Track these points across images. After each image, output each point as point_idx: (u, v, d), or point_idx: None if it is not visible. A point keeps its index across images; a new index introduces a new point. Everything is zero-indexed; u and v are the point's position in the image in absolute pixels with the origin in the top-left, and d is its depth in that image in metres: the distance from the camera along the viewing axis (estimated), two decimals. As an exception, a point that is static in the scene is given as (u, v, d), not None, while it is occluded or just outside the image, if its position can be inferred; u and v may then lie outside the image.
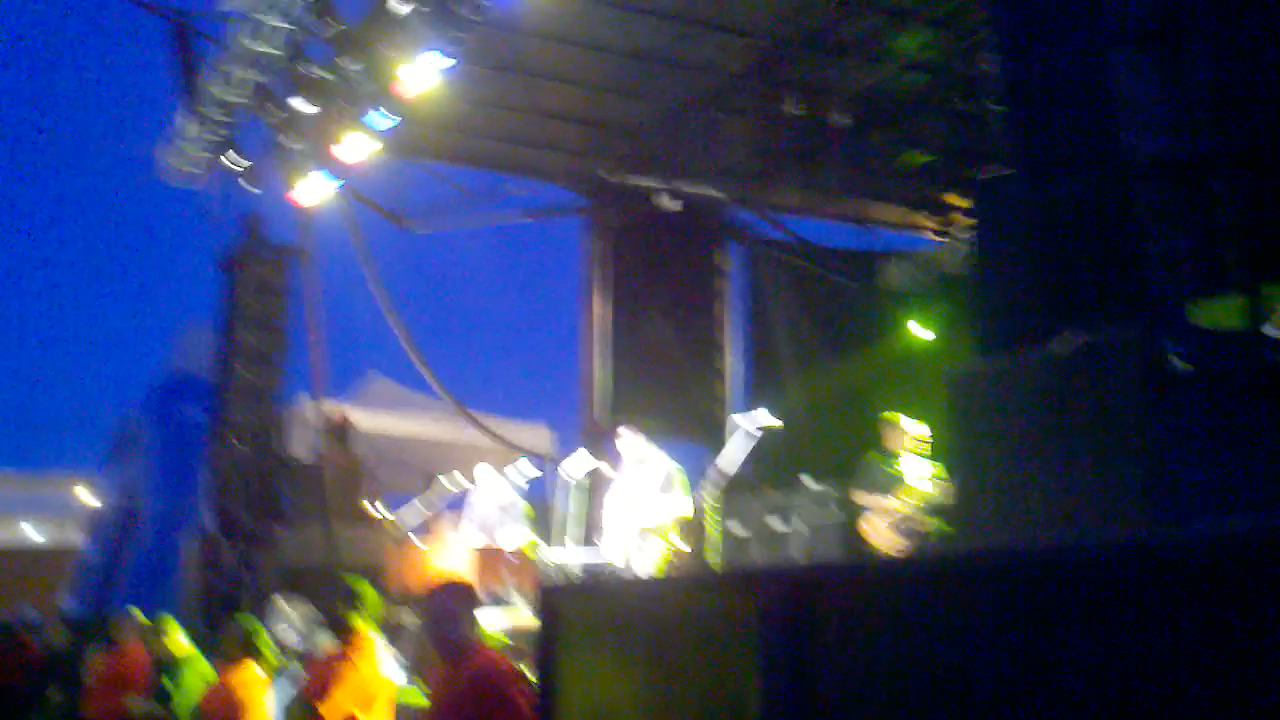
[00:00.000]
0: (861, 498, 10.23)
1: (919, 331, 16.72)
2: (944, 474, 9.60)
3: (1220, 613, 1.77)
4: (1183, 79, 3.70)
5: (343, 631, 6.18)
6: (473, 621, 5.09)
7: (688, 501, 9.82)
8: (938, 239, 18.40)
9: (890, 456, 10.23)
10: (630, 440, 10.14)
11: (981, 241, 5.00)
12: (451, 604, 5.08)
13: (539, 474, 12.14)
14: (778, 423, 9.55)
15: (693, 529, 9.80)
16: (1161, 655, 1.85)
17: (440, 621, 5.05)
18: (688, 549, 9.94)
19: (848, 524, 10.15)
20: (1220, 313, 3.65)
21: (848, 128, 14.01)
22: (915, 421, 10.12)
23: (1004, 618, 2.15)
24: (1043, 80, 4.19)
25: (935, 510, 9.61)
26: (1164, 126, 3.69)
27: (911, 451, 10.14)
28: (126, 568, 28.07)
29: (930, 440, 10.09)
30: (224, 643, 7.71)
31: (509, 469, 11.72)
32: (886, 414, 10.21)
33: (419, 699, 7.00)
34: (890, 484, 10.05)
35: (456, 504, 13.53)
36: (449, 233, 17.57)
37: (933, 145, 14.76)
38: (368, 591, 6.25)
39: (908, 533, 9.64)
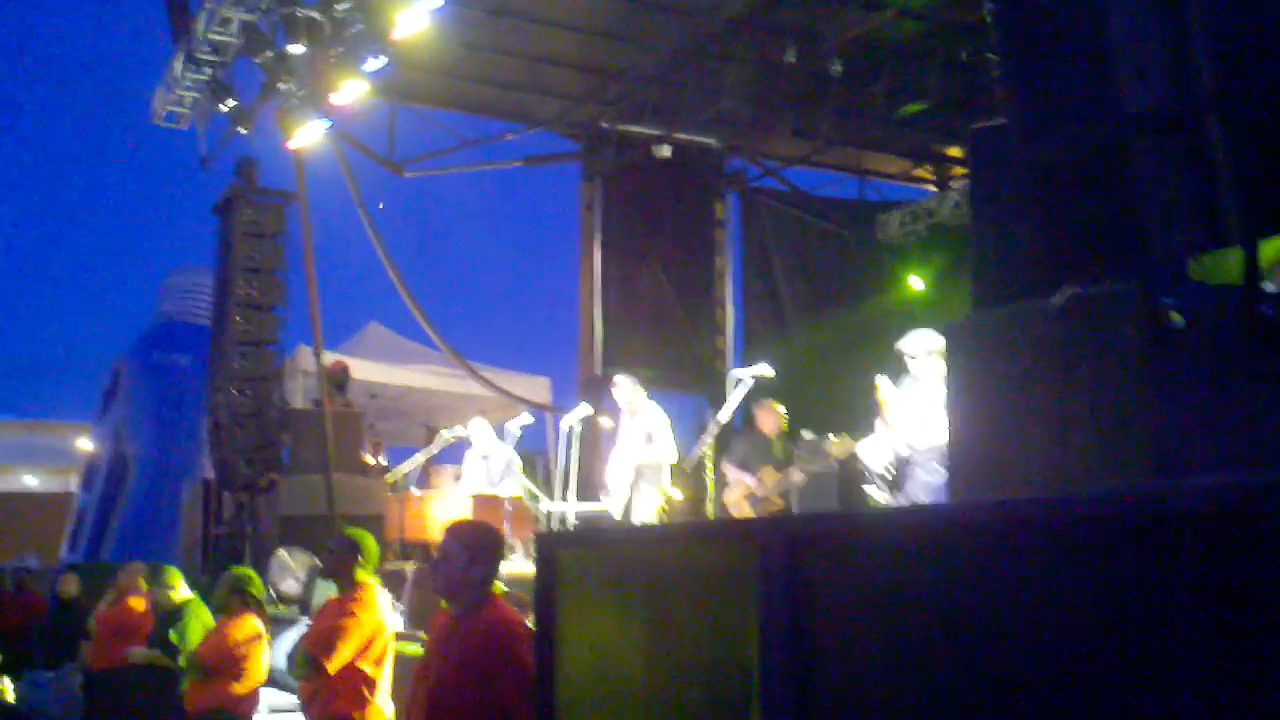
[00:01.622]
0: (727, 470, 10.77)
1: (915, 283, 16.76)
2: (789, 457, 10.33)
3: (1215, 568, 1.79)
4: (1178, 27, 3.69)
5: (344, 582, 6.20)
6: (494, 569, 4.79)
7: (673, 449, 9.91)
8: (935, 190, 18.40)
9: (761, 437, 10.76)
10: (624, 390, 10.18)
11: (977, 193, 5.00)
12: (473, 546, 4.77)
13: (531, 420, 12.17)
14: (770, 372, 9.61)
15: (690, 480, 9.88)
16: (1157, 609, 1.88)
17: (456, 564, 4.73)
18: (680, 496, 10.04)
19: (844, 476, 10.33)
20: (1218, 267, 3.66)
21: (843, 76, 13.97)
22: (782, 408, 10.63)
23: (1001, 570, 2.17)
24: (1039, 29, 4.17)
25: (784, 492, 10.28)
26: (1161, 77, 3.68)
27: (783, 434, 10.71)
28: (120, 515, 28.18)
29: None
30: (221, 594, 7.75)
31: (509, 423, 11.76)
32: (768, 400, 10.59)
33: (417, 650, 7.01)
34: (755, 462, 10.59)
35: (455, 455, 13.59)
36: (450, 185, 17.74)
37: (929, 95, 14.70)
38: (369, 542, 6.26)
39: (757, 509, 10.22)
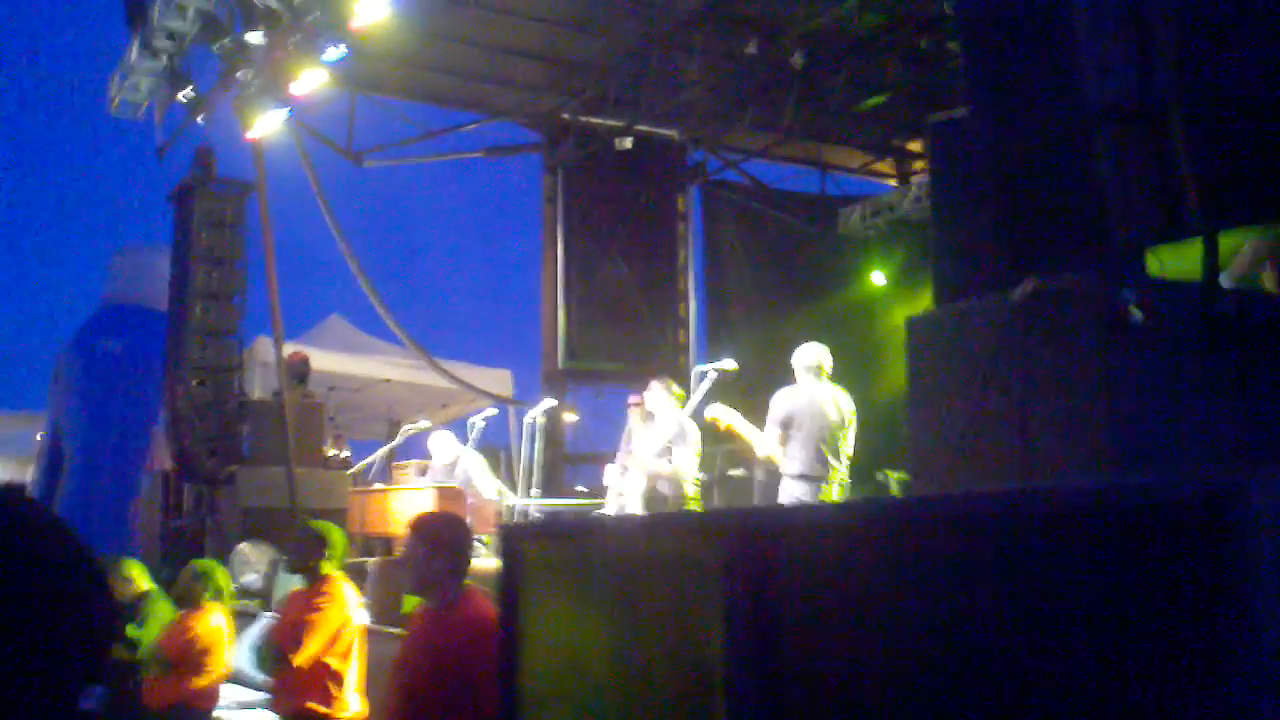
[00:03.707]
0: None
1: (877, 278, 16.84)
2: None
3: (1173, 560, 1.81)
4: (1140, 19, 3.71)
5: (310, 575, 6.17)
6: (460, 561, 4.81)
7: (694, 464, 9.54)
8: (896, 185, 18.49)
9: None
10: (656, 394, 9.79)
11: (937, 184, 5.01)
12: (431, 539, 4.78)
13: (494, 413, 12.13)
14: (733, 366, 9.57)
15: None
16: (1114, 601, 1.89)
17: (417, 559, 4.75)
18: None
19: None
20: (1177, 260, 3.69)
21: (804, 69, 14.01)
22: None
23: (963, 564, 2.19)
24: (1001, 19, 4.19)
25: None
26: (1123, 69, 3.70)
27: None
28: (58, 507, 27.89)
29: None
30: (183, 586, 7.70)
31: (472, 417, 11.70)
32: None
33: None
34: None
35: (418, 449, 13.53)
36: (413, 178, 17.70)
37: (890, 87, 14.77)
38: (336, 535, 6.24)
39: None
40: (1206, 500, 1.75)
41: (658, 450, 9.49)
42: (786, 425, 8.63)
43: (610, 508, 10.09)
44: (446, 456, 11.29)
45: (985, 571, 2.11)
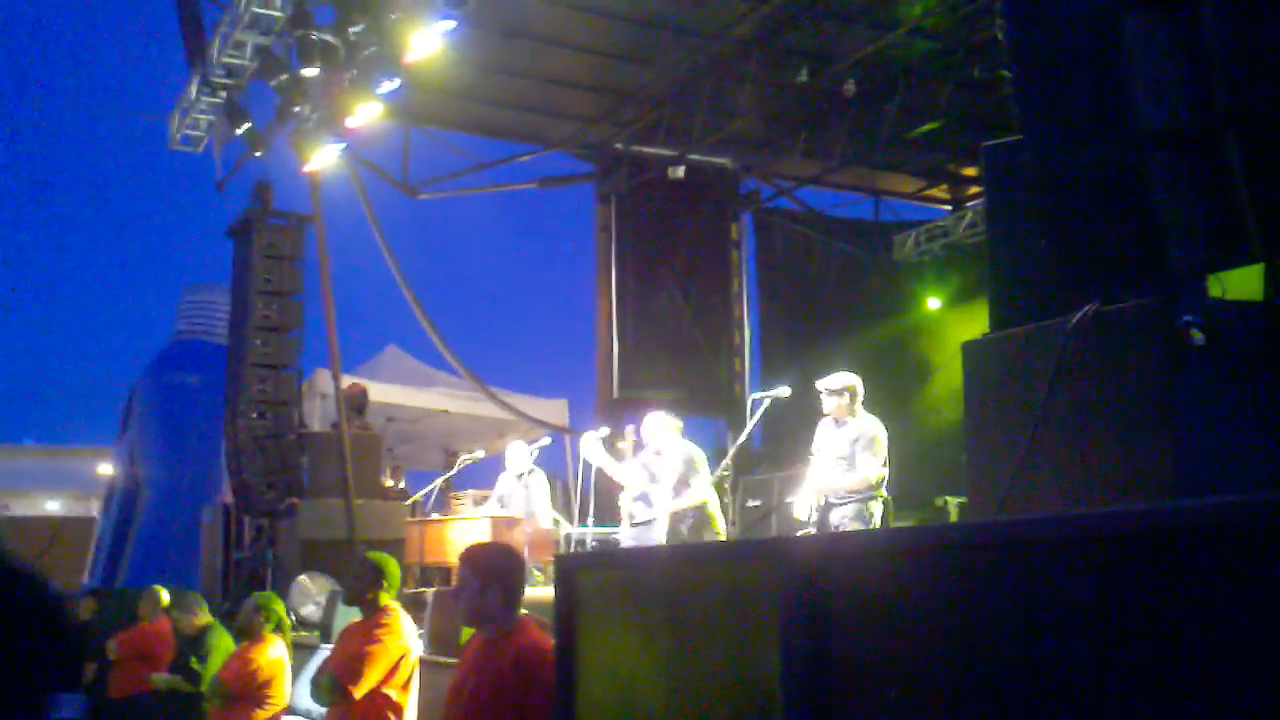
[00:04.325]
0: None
1: (932, 303, 16.78)
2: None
3: (1236, 584, 1.79)
4: (1194, 45, 3.69)
5: (368, 607, 6.18)
6: (514, 591, 4.75)
7: (707, 489, 9.56)
8: (949, 210, 18.42)
9: None
10: (655, 426, 9.84)
11: (993, 209, 4.99)
12: (484, 570, 4.71)
13: (549, 442, 12.14)
14: (788, 392, 9.54)
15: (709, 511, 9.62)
16: (1177, 626, 1.87)
17: (470, 590, 4.70)
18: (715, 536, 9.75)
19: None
20: (1237, 284, 3.65)
21: (855, 96, 14.01)
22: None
23: (1019, 589, 2.17)
24: (1053, 46, 4.17)
25: None
26: (1175, 94, 3.68)
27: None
28: (134, 540, 28.20)
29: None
30: (244, 618, 7.75)
31: (529, 445, 11.73)
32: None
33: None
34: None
35: (474, 478, 13.58)
36: (467, 209, 17.91)
37: (942, 114, 14.74)
38: (391, 566, 6.25)
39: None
40: (1265, 522, 1.74)
41: (673, 485, 9.43)
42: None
43: (623, 532, 10.06)
44: (520, 468, 11.29)
45: (1044, 597, 2.09)
